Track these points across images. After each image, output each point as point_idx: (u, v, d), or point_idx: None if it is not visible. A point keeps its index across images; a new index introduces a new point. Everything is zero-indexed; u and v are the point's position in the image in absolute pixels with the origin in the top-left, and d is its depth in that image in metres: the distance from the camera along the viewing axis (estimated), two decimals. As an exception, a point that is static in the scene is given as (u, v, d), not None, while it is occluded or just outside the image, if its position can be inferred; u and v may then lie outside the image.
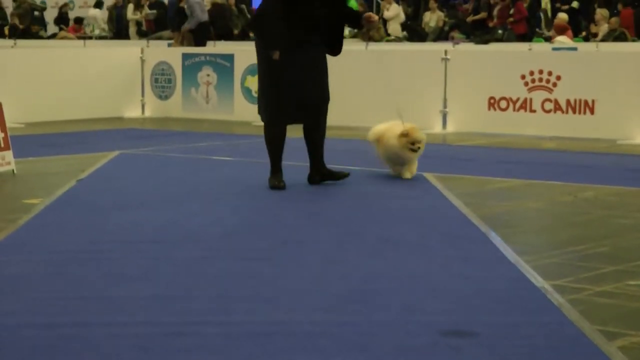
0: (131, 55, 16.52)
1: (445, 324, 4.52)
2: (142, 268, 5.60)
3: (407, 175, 8.91)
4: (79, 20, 28.79)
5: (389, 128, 8.97)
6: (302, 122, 8.44)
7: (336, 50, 8.52)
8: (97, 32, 28.36)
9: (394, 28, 24.21)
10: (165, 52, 17.34)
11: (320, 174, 8.53)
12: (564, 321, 4.57)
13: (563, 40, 19.31)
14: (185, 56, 15.98)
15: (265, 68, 8.34)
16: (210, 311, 4.74)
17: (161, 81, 16.17)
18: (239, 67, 15.23)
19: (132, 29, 26.87)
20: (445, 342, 4.26)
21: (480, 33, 23.38)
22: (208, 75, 15.57)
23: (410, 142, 8.69)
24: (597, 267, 5.68)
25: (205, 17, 19.73)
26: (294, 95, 8.24)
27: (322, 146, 8.50)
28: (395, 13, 24.50)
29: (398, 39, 23.62)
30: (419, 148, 8.74)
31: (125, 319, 4.61)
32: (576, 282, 5.32)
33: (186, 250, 6.07)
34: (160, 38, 23.39)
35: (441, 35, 24.64)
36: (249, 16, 24.24)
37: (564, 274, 5.51)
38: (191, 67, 15.81)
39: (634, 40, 20.07)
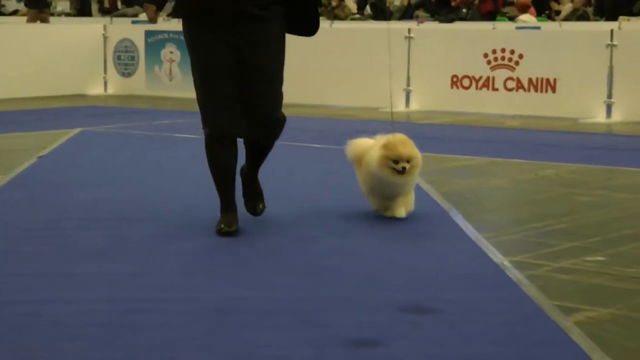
0: (93, 32, 16.42)
1: (404, 300, 4.54)
2: (102, 245, 5.58)
3: (401, 210, 6.20)
4: (41, -3, 28.50)
5: (374, 144, 6.27)
6: (247, 136, 5.96)
7: (311, 27, 5.94)
8: (59, 9, 28.11)
9: (351, 6, 24.17)
10: (128, 29, 17.23)
11: (250, 182, 6.22)
12: (522, 297, 4.60)
13: (526, 18, 19.35)
14: (148, 33, 15.90)
15: (190, 55, 5.86)
16: (171, 288, 4.74)
17: (124, 58, 16.09)
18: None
19: (94, 6, 26.68)
20: (405, 317, 4.28)
21: (445, 12, 23.38)
22: (171, 52, 15.52)
23: (392, 160, 6.06)
24: (556, 244, 5.72)
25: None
26: (230, 97, 5.72)
27: (266, 155, 6.17)
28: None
29: (363, 17, 23.60)
30: (404, 169, 6.02)
31: (86, 296, 4.59)
32: (535, 259, 5.36)
33: (147, 227, 6.05)
34: (124, 15, 23.25)
35: (406, 14, 24.63)
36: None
37: (523, 250, 5.55)
38: (154, 44, 15.74)
39: (596, 20, 20.16)
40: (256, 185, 6.21)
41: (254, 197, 6.21)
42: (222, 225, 5.78)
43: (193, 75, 5.80)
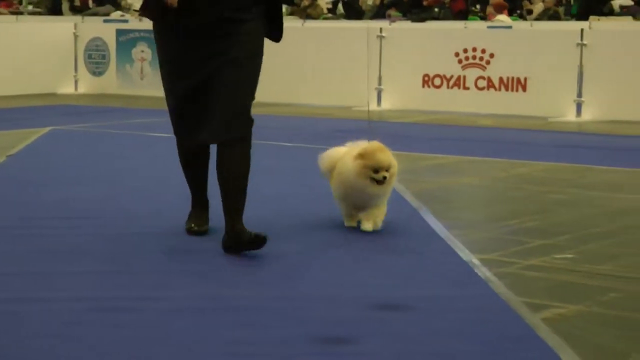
0: (64, 31, 16.36)
1: (375, 297, 4.56)
2: (75, 244, 5.57)
3: (368, 225, 5.82)
4: (11, -5, 28.37)
5: (347, 153, 5.90)
6: (210, 143, 5.56)
7: (279, 33, 5.56)
8: (29, 7, 27.97)
9: (324, 5, 24.17)
10: (99, 28, 17.18)
11: (235, 238, 5.29)
12: (491, 294, 4.64)
13: (503, 18, 19.43)
14: (119, 32, 15.87)
15: (159, 58, 5.57)
16: (145, 287, 4.74)
17: (95, 57, 16.05)
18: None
19: (65, 5, 26.54)
20: (375, 315, 4.30)
21: (417, 11, 23.44)
22: (143, 51, 15.49)
23: (371, 169, 5.69)
24: (526, 242, 5.76)
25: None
26: (192, 101, 5.39)
27: (241, 195, 5.38)
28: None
29: (335, 17, 23.62)
30: (384, 178, 5.69)
31: (58, 295, 4.58)
32: (505, 256, 5.40)
33: (120, 226, 6.04)
34: (95, 14, 23.15)
35: (378, 13, 24.67)
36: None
37: (493, 248, 5.58)
38: (126, 43, 15.71)
39: (567, 19, 20.25)
40: (249, 235, 5.28)
41: (250, 233, 5.31)
42: (192, 225, 5.68)
43: (162, 77, 5.54)
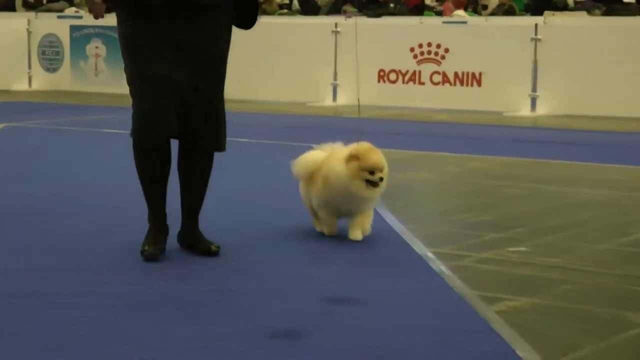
0: (17, 27, 16.22)
1: (329, 291, 4.56)
2: (27, 240, 5.53)
3: (357, 233, 5.53)
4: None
5: (330, 156, 5.61)
6: (186, 139, 5.17)
7: (251, 18, 5.19)
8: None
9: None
10: (53, 24, 17.05)
11: (189, 237, 5.28)
12: (445, 287, 4.65)
13: (461, 14, 19.50)
14: (73, 28, 15.76)
15: (124, 49, 5.09)
16: (96, 282, 4.70)
17: (49, 53, 15.93)
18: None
19: (18, 1, 26.31)
20: (329, 309, 4.30)
21: (373, 7, 23.48)
22: (97, 47, 15.40)
23: (367, 171, 5.41)
24: (480, 235, 5.79)
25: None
26: (168, 94, 4.97)
27: (203, 197, 5.30)
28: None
29: (291, 12, 23.59)
30: (381, 179, 5.42)
31: (6, 291, 4.54)
32: (459, 250, 5.42)
33: (74, 223, 6.00)
34: (49, 10, 22.97)
35: (334, 8, 24.68)
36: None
37: (447, 242, 5.60)
38: (80, 39, 15.60)
39: (521, 14, 20.36)
40: (203, 239, 5.27)
41: (204, 243, 5.26)
42: (147, 247, 5.08)
43: (126, 69, 5.07)
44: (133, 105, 5.06)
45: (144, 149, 5.10)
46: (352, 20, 16.10)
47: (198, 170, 5.23)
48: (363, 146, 5.47)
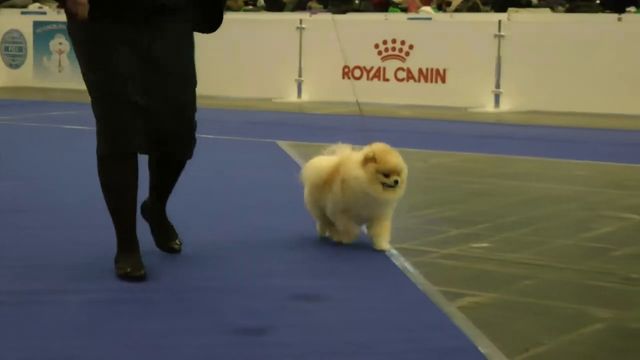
0: (-20, 23, 16.11)
1: (293, 288, 4.56)
2: (-9, 237, 5.50)
3: (384, 244, 5.27)
4: None
5: (345, 160, 5.36)
6: (156, 152, 4.88)
7: (215, 21, 4.99)
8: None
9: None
10: (16, 19, 16.93)
11: (154, 215, 5.19)
12: (408, 283, 4.67)
13: (428, 10, 19.54)
14: (36, 24, 15.67)
15: (86, 55, 4.68)
16: (61, 279, 4.68)
17: (12, 49, 15.83)
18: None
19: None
20: (293, 305, 4.30)
21: (337, 3, 23.48)
22: (61, 43, 15.32)
23: (382, 173, 5.20)
24: (443, 231, 5.81)
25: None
26: (137, 105, 4.63)
27: (177, 179, 5.15)
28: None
29: (256, 9, 23.55)
30: (396, 182, 5.20)
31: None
32: (422, 245, 5.43)
33: (39, 219, 5.97)
34: (13, 6, 22.80)
35: (299, 5, 24.67)
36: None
37: (410, 237, 5.61)
38: (43, 35, 15.51)
39: (486, 11, 20.44)
40: (167, 221, 5.21)
41: (167, 235, 5.18)
42: (129, 269, 4.69)
43: (90, 78, 4.67)
44: (99, 121, 4.67)
45: (113, 164, 4.71)
46: (319, 16, 16.12)
47: (170, 177, 5.09)
48: (379, 147, 5.25)
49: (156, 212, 5.19)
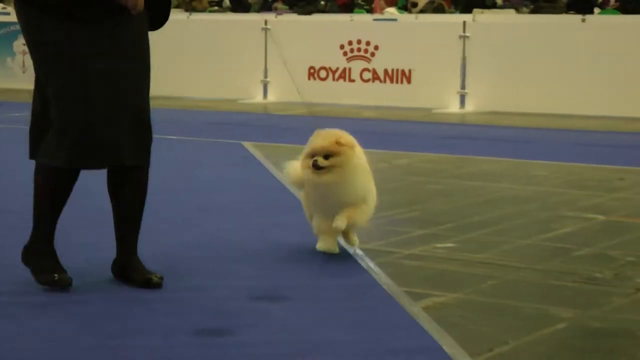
0: (-58, 23, 15.99)
1: (256, 289, 4.56)
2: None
3: (339, 221, 5.02)
4: None
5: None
6: (115, 163, 4.52)
7: (161, 19, 4.67)
8: None
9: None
10: (-21, 20, 16.82)
11: (125, 265, 4.67)
12: (373, 283, 4.67)
13: (393, 11, 19.57)
14: (0, 24, 15.56)
15: (52, 60, 4.40)
16: (20, 281, 4.64)
17: (-25, 50, 15.73)
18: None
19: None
20: (254, 306, 4.30)
21: (303, 4, 23.48)
22: (24, 44, 15.20)
23: (308, 156, 5.08)
24: (407, 231, 5.82)
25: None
26: (106, 108, 4.38)
27: (140, 221, 4.74)
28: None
29: (222, 9, 23.51)
30: (315, 163, 5.00)
31: None
32: (386, 246, 5.45)
33: (2, 219, 5.92)
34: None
35: (265, 5, 24.65)
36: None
37: (374, 238, 5.62)
38: (6, 35, 15.42)
39: (451, 12, 20.51)
40: (141, 266, 4.69)
41: (143, 273, 4.65)
42: (56, 275, 4.49)
43: (56, 84, 4.38)
44: (66, 127, 4.36)
45: (63, 174, 4.48)
46: (284, 17, 16.11)
47: (136, 196, 4.67)
48: (319, 131, 5.14)
49: (126, 265, 4.65)
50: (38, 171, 4.56)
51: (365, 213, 5.10)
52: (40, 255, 4.58)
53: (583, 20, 14.07)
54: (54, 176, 4.49)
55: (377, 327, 4.06)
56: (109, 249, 4.75)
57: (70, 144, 4.36)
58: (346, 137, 5.07)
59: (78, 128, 4.34)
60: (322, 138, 5.04)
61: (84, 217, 5.84)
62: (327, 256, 5.16)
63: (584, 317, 4.23)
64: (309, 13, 21.23)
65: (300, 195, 5.50)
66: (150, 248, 5.25)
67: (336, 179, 4.98)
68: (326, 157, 4.98)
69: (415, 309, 4.27)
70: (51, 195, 4.54)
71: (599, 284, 4.76)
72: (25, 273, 4.75)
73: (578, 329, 4.08)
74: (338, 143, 4.99)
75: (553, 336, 3.98)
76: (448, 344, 3.81)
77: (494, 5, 19.55)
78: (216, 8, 23.66)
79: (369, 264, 5.03)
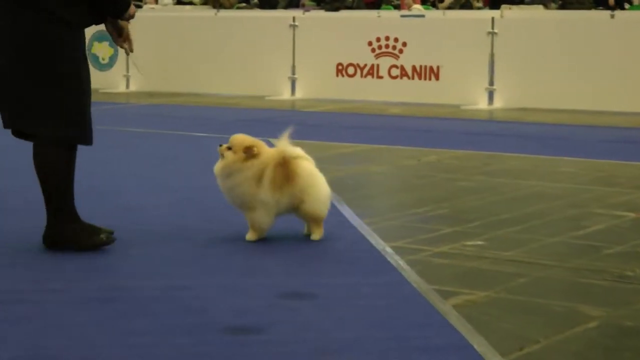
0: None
1: (284, 286, 4.56)
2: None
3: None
4: None
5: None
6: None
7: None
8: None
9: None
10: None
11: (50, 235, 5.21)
12: (402, 281, 4.66)
13: (420, 7, 19.55)
14: None
15: (75, 73, 5.22)
16: (44, 280, 4.66)
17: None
18: (86, 33, 14.95)
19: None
20: (284, 303, 4.30)
21: (331, 0, 23.49)
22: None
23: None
24: (436, 229, 5.81)
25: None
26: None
27: (46, 191, 5.24)
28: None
29: (249, 6, 23.55)
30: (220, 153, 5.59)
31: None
32: (415, 244, 5.43)
33: (16, 219, 5.93)
34: None
35: (292, 2, 24.66)
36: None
37: (403, 235, 5.61)
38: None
39: (479, 8, 20.46)
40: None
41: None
42: (102, 236, 5.16)
43: (71, 83, 5.16)
44: (71, 112, 5.12)
45: (71, 152, 5.18)
46: (312, 14, 16.11)
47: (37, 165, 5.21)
48: None
49: (52, 233, 5.21)
50: (47, 155, 5.15)
51: (255, 217, 5.43)
52: (78, 228, 5.14)
53: (612, 16, 14.00)
54: (68, 153, 5.15)
55: (406, 324, 4.05)
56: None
57: (88, 125, 5.16)
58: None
59: (88, 112, 5.19)
60: (236, 136, 5.69)
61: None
62: (356, 253, 5.16)
63: (615, 315, 4.21)
64: (337, 9, 21.23)
65: None
66: (176, 246, 5.27)
67: (221, 165, 5.59)
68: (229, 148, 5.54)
69: (445, 307, 4.26)
70: (68, 172, 5.15)
71: (630, 282, 4.73)
72: (51, 272, 4.78)
73: (609, 328, 4.06)
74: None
75: (584, 335, 3.96)
76: (478, 343, 3.80)
77: (521, 1, 19.50)
78: (244, 5, 23.70)
79: (398, 261, 5.02)
